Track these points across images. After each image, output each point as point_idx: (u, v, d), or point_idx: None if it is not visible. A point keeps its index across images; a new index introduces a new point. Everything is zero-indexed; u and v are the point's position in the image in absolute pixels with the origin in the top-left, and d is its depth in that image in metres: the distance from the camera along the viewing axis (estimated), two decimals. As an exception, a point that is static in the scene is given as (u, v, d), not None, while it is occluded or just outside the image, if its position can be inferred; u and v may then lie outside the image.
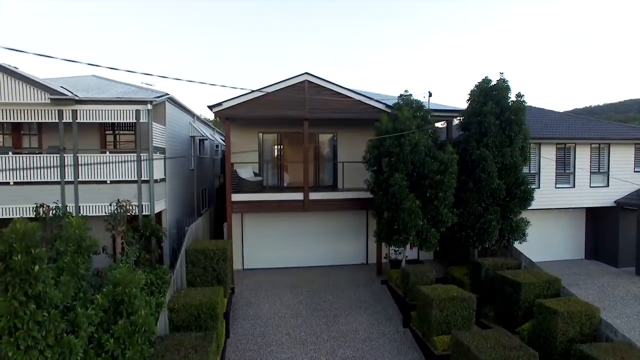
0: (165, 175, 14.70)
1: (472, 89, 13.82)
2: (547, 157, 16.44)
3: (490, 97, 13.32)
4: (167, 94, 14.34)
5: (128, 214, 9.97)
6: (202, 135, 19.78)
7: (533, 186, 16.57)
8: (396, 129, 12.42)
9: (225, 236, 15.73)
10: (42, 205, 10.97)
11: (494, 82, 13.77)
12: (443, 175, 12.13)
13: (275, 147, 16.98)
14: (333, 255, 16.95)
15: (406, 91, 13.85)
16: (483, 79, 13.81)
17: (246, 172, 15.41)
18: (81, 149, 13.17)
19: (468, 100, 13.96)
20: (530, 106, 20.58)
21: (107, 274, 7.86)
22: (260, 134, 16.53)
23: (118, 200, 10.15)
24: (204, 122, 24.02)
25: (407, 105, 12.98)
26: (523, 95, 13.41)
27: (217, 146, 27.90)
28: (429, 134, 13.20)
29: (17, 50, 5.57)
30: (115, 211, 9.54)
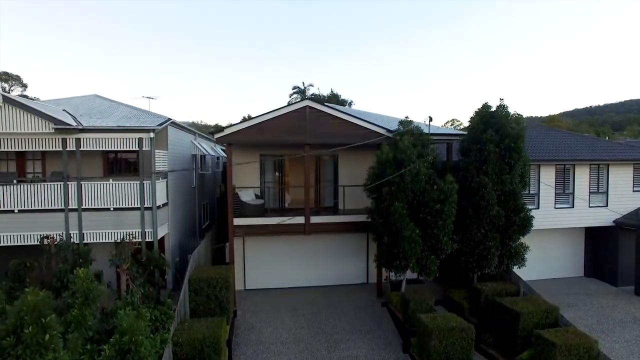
0: (167, 199, 14.83)
1: (472, 115, 13.95)
2: (547, 183, 16.62)
3: (489, 124, 13.44)
4: (169, 119, 14.46)
5: (133, 247, 10.08)
6: (204, 153, 19.90)
7: (532, 207, 16.78)
8: (396, 159, 12.56)
9: (227, 257, 15.88)
10: (47, 237, 11.10)
11: (493, 108, 13.89)
12: (443, 205, 12.27)
13: (277, 168, 17.10)
14: (334, 275, 17.09)
15: (407, 117, 14.01)
16: (483, 105, 13.94)
17: (247, 195, 15.55)
18: (85, 176, 13.27)
19: (468, 126, 14.08)
20: (531, 121, 20.74)
21: (112, 316, 8.00)
22: (262, 156, 16.65)
23: (122, 239, 10.28)
24: (205, 136, 24.13)
25: (408, 134, 13.10)
26: (523, 122, 13.52)
27: (218, 158, 27.98)
28: (429, 161, 13.32)
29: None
30: (120, 250, 9.67)
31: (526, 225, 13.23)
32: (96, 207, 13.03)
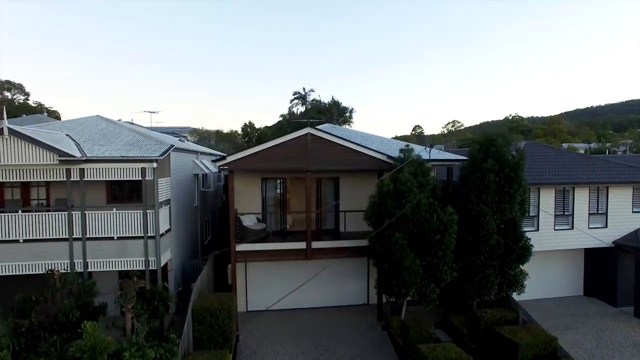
0: (170, 224, 14.98)
1: (472, 144, 14.05)
2: (546, 211, 16.76)
3: (490, 152, 13.55)
4: (171, 146, 14.60)
5: (137, 287, 10.24)
6: (205, 172, 20.04)
7: (532, 228, 16.92)
8: (397, 190, 12.68)
9: (229, 278, 16.05)
10: (51, 271, 11.25)
11: (498, 116, 14.03)
12: (443, 235, 12.41)
13: (278, 191, 17.23)
14: (335, 296, 17.24)
15: (407, 145, 14.13)
16: (483, 134, 14.05)
17: (249, 219, 15.70)
18: (89, 206, 13.41)
19: (468, 155, 14.21)
20: (531, 142, 20.85)
21: (118, 358, 8.15)
22: (264, 180, 16.78)
23: (125, 279, 10.43)
24: (206, 152, 24.28)
25: (408, 164, 13.21)
26: (523, 151, 13.64)
27: (219, 171, 28.05)
28: (430, 189, 13.45)
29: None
30: (125, 290, 9.82)
31: (525, 254, 13.37)
32: (100, 236, 13.18)
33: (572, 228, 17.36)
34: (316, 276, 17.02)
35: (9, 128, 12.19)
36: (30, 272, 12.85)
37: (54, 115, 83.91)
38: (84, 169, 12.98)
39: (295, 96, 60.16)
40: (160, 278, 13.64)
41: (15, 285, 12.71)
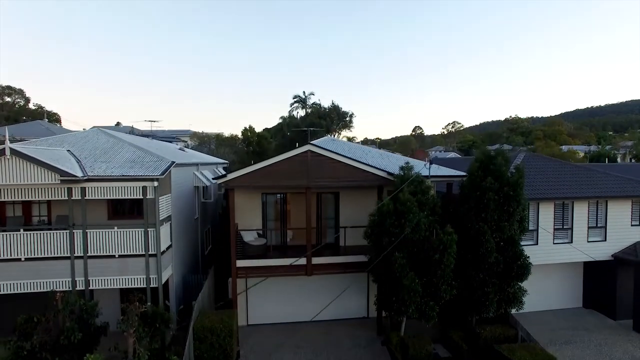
0: (171, 240, 15.05)
1: (471, 162, 14.13)
2: (546, 230, 16.83)
3: (489, 171, 13.61)
4: (172, 163, 14.65)
5: (139, 312, 10.31)
6: (205, 184, 20.09)
7: (531, 242, 16.99)
8: (397, 209, 12.75)
9: (229, 292, 16.13)
10: (53, 293, 11.32)
11: (492, 153, 14.09)
12: (442, 255, 12.48)
13: (279, 205, 17.29)
14: (335, 309, 17.30)
15: (407, 163, 14.20)
16: (482, 152, 14.12)
17: (250, 235, 15.77)
18: (90, 224, 13.48)
19: (468, 172, 14.28)
20: (530, 153, 20.88)
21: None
22: (264, 194, 16.83)
23: (127, 303, 10.50)
24: (206, 163, 24.33)
25: (408, 185, 13.27)
26: (522, 169, 13.71)
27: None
28: (430, 207, 13.52)
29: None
30: (128, 315, 9.89)
31: (524, 273, 13.45)
32: (101, 254, 13.27)
33: (572, 242, 17.42)
34: (317, 290, 17.16)
35: (11, 149, 12.24)
36: (32, 291, 12.94)
37: (54, 118, 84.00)
38: (85, 187, 13.05)
39: (295, 100, 60.27)
40: (162, 295, 13.73)
41: (17, 305, 12.82)
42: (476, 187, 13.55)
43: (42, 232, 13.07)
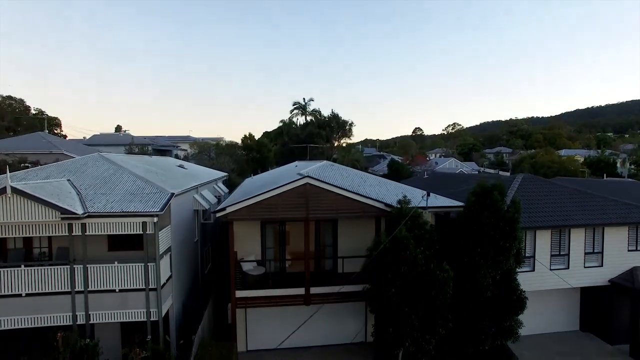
0: (171, 270, 15.19)
1: (468, 196, 14.25)
2: (542, 263, 16.94)
3: (485, 205, 13.73)
4: (171, 195, 14.78)
5: (140, 358, 10.45)
6: (205, 207, 20.21)
7: (528, 269, 17.12)
8: (394, 246, 12.87)
9: (229, 318, 16.28)
10: (55, 333, 11.46)
11: (489, 186, 14.21)
12: (438, 291, 12.60)
13: (278, 233, 17.39)
14: (333, 334, 17.44)
15: (405, 196, 14.32)
16: (478, 184, 14.24)
17: (249, 264, 15.91)
18: (90, 259, 13.60)
19: (465, 205, 14.42)
20: (528, 177, 20.96)
21: None
22: (263, 223, 16.95)
23: (129, 348, 10.64)
24: (206, 182, 24.41)
25: (405, 219, 13.39)
26: (518, 205, 13.85)
27: (218, 199, 28.07)
28: (426, 241, 13.65)
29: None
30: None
31: (520, 307, 13.58)
32: (102, 289, 13.41)
33: (568, 268, 17.56)
34: (316, 315, 17.27)
35: (12, 187, 12.35)
36: (33, 326, 13.08)
37: (55, 122, 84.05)
38: (86, 223, 13.18)
39: (295, 106, 60.40)
40: (162, 329, 13.88)
41: (17, 342, 12.97)
42: (473, 221, 13.67)
43: (43, 267, 13.20)
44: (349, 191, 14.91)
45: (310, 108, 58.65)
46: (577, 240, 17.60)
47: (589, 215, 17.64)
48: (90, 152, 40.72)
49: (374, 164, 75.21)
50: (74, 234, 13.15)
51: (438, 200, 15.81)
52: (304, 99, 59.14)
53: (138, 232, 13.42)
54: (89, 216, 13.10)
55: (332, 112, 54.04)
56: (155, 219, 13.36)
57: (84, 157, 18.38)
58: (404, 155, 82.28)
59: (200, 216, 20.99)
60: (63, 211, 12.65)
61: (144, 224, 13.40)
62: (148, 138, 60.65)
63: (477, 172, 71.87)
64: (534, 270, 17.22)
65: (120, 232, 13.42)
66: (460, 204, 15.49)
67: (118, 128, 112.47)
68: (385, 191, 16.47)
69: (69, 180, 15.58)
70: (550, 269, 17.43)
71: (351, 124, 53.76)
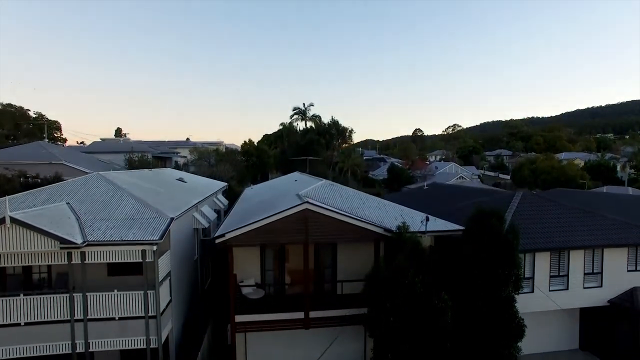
0: (171, 295, 15.20)
1: (466, 221, 14.28)
2: (541, 290, 16.94)
3: (484, 234, 13.77)
4: (171, 221, 14.80)
5: None
6: (204, 225, 20.23)
7: (527, 290, 17.11)
8: (393, 276, 12.88)
9: (228, 339, 16.29)
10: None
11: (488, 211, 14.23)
12: (437, 321, 12.62)
13: (277, 254, 17.37)
14: (334, 356, 17.39)
15: (404, 223, 14.34)
16: (477, 210, 14.26)
17: (249, 287, 15.92)
18: (90, 287, 13.59)
19: (464, 230, 14.47)
20: (528, 194, 20.95)
21: None
22: (262, 245, 16.93)
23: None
24: (207, 196, 24.43)
25: (403, 247, 13.41)
26: (517, 232, 13.89)
27: (217, 213, 28.06)
28: (425, 267, 13.67)
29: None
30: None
31: (520, 334, 13.60)
32: (101, 317, 13.43)
33: (567, 288, 17.56)
34: (315, 337, 17.27)
35: (11, 217, 12.35)
36: (31, 355, 13.09)
37: (55, 125, 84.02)
38: (85, 252, 13.19)
39: (295, 111, 60.36)
40: (162, 353, 13.91)
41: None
42: (472, 248, 13.68)
43: (42, 296, 13.21)
44: (348, 216, 14.92)
45: (310, 113, 58.71)
46: (577, 261, 17.59)
47: (588, 236, 17.64)
48: (90, 161, 40.78)
49: (374, 167, 75.36)
50: (73, 262, 13.17)
51: (437, 224, 15.81)
52: (303, 104, 59.21)
53: (137, 260, 13.43)
54: (89, 244, 13.11)
55: (332, 118, 54.24)
56: (155, 247, 13.37)
57: (84, 177, 18.36)
58: (404, 159, 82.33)
59: (199, 233, 21.02)
60: (62, 241, 12.66)
61: (144, 252, 13.41)
62: (147, 144, 60.64)
63: (477, 177, 72.07)
64: (533, 291, 17.21)
65: (119, 260, 13.43)
66: (459, 227, 15.49)
67: (118, 131, 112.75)
68: (384, 214, 16.47)
69: (68, 203, 15.60)
70: (550, 290, 17.44)
71: (351, 131, 53.90)
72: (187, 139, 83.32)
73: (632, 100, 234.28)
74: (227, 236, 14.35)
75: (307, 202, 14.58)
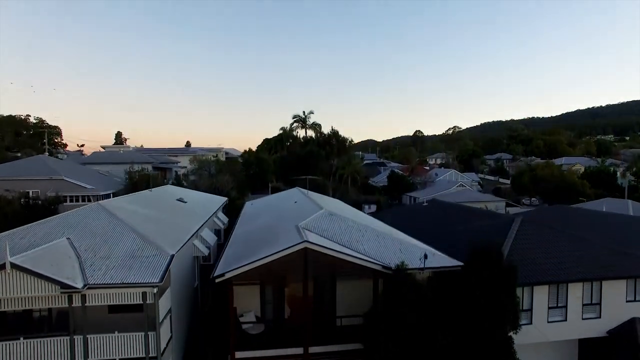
0: (172, 332, 15.28)
1: (465, 259, 14.40)
2: (539, 328, 17.04)
3: (483, 266, 13.87)
4: (172, 256, 14.89)
5: None
6: (204, 252, 20.29)
7: (525, 321, 17.15)
8: (391, 312, 13.03)
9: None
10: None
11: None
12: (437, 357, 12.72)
13: (277, 288, 17.44)
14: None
15: (403, 262, 14.43)
16: (474, 250, 14.40)
17: (249, 323, 16.01)
18: (90, 327, 13.69)
19: (463, 267, 14.65)
20: (526, 222, 20.97)
21: None
22: (262, 283, 17.01)
23: None
24: (208, 218, 24.50)
25: (402, 284, 13.52)
26: (515, 268, 13.97)
27: (218, 232, 28.14)
28: (424, 304, 13.78)
29: None
30: None
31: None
32: (102, 358, 13.53)
33: (566, 319, 17.60)
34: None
35: (11, 263, 12.43)
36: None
37: (55, 131, 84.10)
38: (85, 295, 13.26)
39: (295, 119, 60.42)
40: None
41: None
42: (471, 280, 13.84)
43: (42, 339, 13.29)
44: (347, 254, 14.98)
45: (310, 121, 58.75)
46: (575, 292, 17.61)
47: (587, 267, 17.66)
48: (90, 174, 40.87)
49: (375, 173, 75.28)
50: (74, 305, 13.25)
51: (436, 259, 15.85)
52: (303, 112, 59.27)
53: (138, 302, 13.50)
54: (89, 287, 13.18)
55: (332, 129, 54.27)
56: (155, 290, 13.44)
57: (84, 209, 18.40)
58: (405, 163, 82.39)
59: (200, 258, 21.08)
60: (63, 285, 12.73)
61: (144, 294, 13.48)
62: (147, 151, 60.68)
63: (477, 183, 72.07)
64: (531, 323, 17.27)
65: (120, 303, 13.52)
66: (457, 264, 15.55)
67: (118, 135, 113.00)
68: (383, 248, 16.50)
69: (68, 238, 15.68)
70: (548, 322, 17.49)
71: (351, 141, 53.88)
72: (187, 142, 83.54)
73: (633, 101, 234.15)
74: (227, 275, 14.40)
75: (307, 240, 14.62)
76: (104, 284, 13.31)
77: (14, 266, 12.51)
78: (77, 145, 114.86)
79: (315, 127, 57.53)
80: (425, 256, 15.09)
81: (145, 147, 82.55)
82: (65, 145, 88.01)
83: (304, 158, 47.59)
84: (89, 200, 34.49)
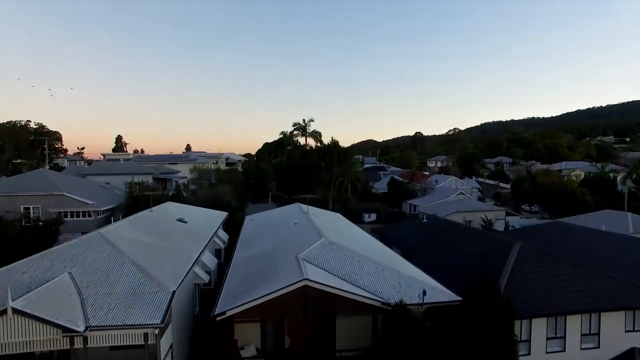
0: (172, 366, 15.39)
1: (462, 294, 14.62)
2: (537, 343, 17.16)
3: (482, 302, 14.01)
4: (173, 292, 14.99)
5: None
6: (205, 280, 20.40)
7: (524, 352, 17.28)
8: (390, 347, 13.16)
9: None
10: None
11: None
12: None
13: (277, 322, 17.53)
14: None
15: (401, 300, 14.56)
16: (474, 282, 14.57)
17: (250, 356, 16.14)
18: (92, 367, 13.81)
19: (460, 301, 14.85)
20: (526, 246, 21.04)
21: None
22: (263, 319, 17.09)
23: None
24: (208, 241, 24.58)
25: (401, 320, 13.73)
26: (512, 306, 14.13)
27: (219, 252, 28.22)
28: (420, 340, 13.96)
29: None
30: None
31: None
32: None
33: (565, 350, 17.70)
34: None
35: (13, 308, 12.51)
36: None
37: (55, 136, 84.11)
38: (87, 337, 13.35)
39: (295, 127, 60.49)
40: None
41: None
42: (470, 315, 13.99)
43: (45, 380, 13.40)
44: (347, 291, 15.11)
45: (311, 129, 58.82)
46: (574, 323, 17.68)
47: (586, 298, 17.73)
48: (90, 188, 40.96)
49: (375, 178, 75.37)
50: (75, 346, 13.34)
51: (434, 293, 15.96)
52: (304, 120, 59.48)
53: (140, 343, 13.60)
54: (91, 330, 13.27)
55: (332, 139, 54.36)
56: (157, 331, 13.53)
57: (85, 239, 18.41)
58: (405, 168, 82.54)
59: (200, 284, 21.16)
60: (65, 329, 12.82)
61: (146, 334, 13.57)
62: (148, 159, 60.76)
63: (477, 189, 72.16)
64: (529, 354, 17.37)
65: (121, 344, 13.61)
66: (455, 299, 15.67)
67: (119, 138, 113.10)
68: (382, 281, 16.59)
69: (70, 273, 15.77)
70: (547, 352, 17.60)
71: (350, 152, 53.96)
72: (187, 145, 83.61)
73: (633, 101, 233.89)
74: (228, 313, 14.52)
75: (307, 278, 14.74)
76: (106, 325, 13.40)
77: (15, 311, 12.58)
78: (78, 148, 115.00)
79: (316, 135, 57.70)
80: (424, 292, 15.20)
81: (145, 152, 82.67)
82: (66, 150, 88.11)
83: (304, 170, 47.70)
84: (89, 216, 34.65)
